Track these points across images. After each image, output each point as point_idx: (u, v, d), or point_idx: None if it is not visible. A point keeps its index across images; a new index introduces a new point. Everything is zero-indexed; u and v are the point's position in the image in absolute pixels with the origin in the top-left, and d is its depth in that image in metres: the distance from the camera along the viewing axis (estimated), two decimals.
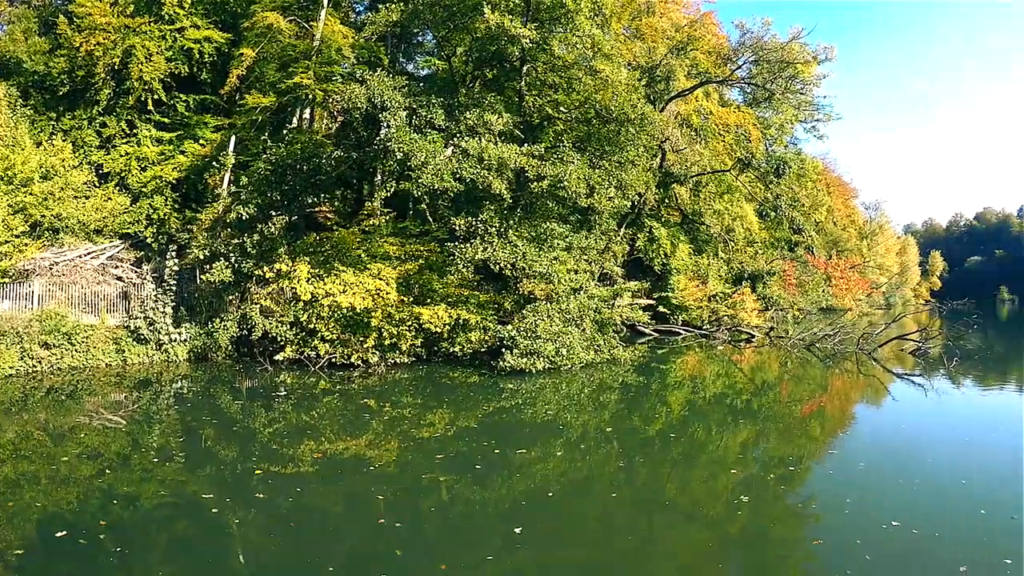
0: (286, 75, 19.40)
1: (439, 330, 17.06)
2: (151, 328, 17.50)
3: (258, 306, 17.29)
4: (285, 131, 21.00)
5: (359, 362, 16.72)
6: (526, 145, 18.73)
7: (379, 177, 20.85)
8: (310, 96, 19.61)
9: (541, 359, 16.96)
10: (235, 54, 20.69)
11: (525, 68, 20.83)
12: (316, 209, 21.34)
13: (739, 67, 29.11)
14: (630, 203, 24.60)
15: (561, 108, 22.38)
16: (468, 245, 17.86)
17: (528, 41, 18.56)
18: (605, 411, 13.81)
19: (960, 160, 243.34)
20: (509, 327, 17.57)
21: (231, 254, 17.63)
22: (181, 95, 21.56)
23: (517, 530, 6.75)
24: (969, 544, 6.69)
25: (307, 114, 22.92)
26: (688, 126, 30.12)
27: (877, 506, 7.68)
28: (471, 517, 7.37)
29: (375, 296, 16.62)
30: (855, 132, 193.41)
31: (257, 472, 8.46)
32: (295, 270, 16.92)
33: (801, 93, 29.62)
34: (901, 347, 25.62)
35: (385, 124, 17.07)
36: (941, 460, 10.13)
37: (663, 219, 31.32)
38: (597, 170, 20.33)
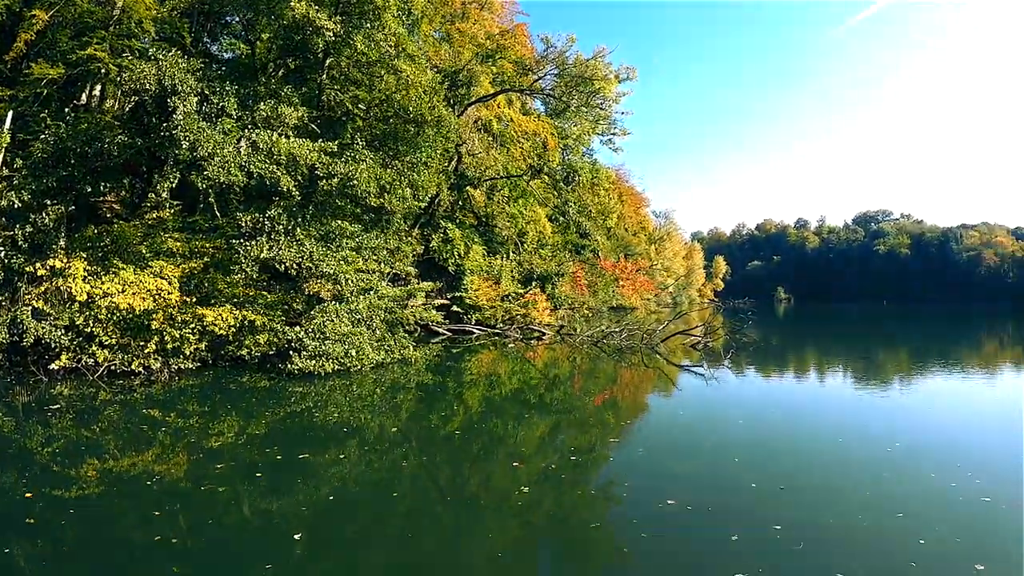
0: (79, 45, 17.90)
1: (225, 333, 17.15)
2: None
3: (30, 308, 15.92)
4: (69, 109, 19.59)
5: (141, 369, 16.21)
6: (320, 141, 19.25)
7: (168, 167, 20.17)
8: (103, 71, 18.51)
9: (330, 361, 17.70)
10: (26, 15, 18.71)
11: (328, 61, 21.45)
12: (100, 199, 20.16)
13: (540, 78, 32.39)
14: (424, 204, 26.22)
15: (360, 105, 23.27)
16: (254, 243, 18.14)
17: (332, 34, 19.31)
18: (401, 411, 14.51)
19: (744, 177, 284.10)
20: (297, 328, 18.10)
21: (0, 248, 16.27)
22: None
23: (298, 536, 6.92)
24: (740, 514, 7.68)
25: (98, 91, 21.49)
26: (488, 131, 32.79)
27: (656, 487, 8.73)
28: (261, 528, 7.45)
29: (156, 296, 16.34)
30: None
31: (28, 496, 8.14)
32: (71, 267, 16.05)
33: (600, 108, 33.64)
34: (685, 342, 29.67)
35: (174, 109, 16.80)
36: (718, 442, 11.71)
37: (458, 221, 33.47)
38: (389, 170, 21.29)
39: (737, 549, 6.67)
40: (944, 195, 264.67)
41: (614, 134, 38.40)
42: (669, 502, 8.01)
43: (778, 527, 7.22)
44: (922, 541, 6.97)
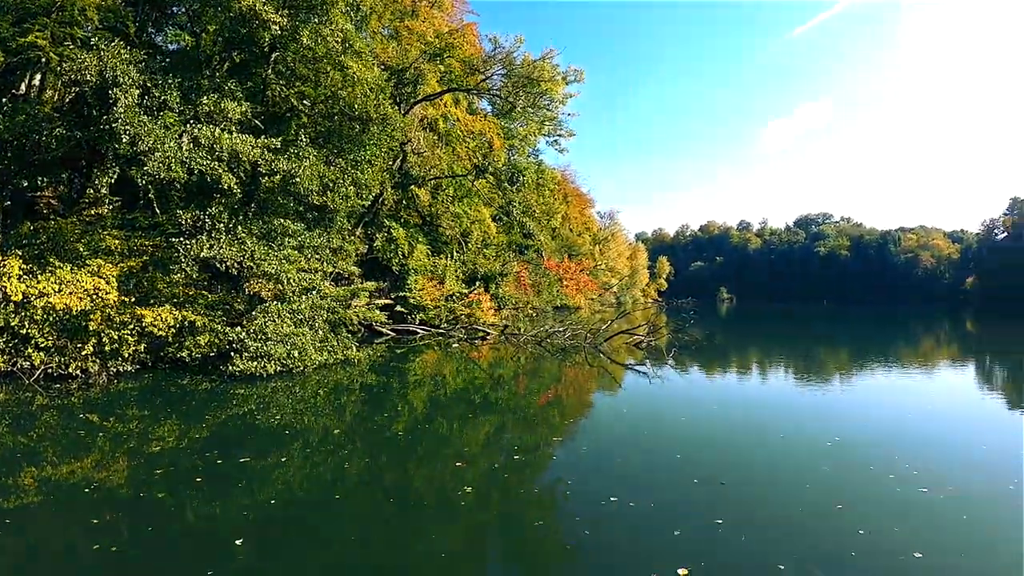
0: (20, 32, 17.33)
1: (164, 334, 17.06)
2: None
3: None
4: (7, 99, 18.98)
5: (78, 372, 15.95)
6: (263, 137, 19.21)
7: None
8: (43, 60, 18.09)
9: (272, 362, 17.73)
10: None
11: (274, 56, 21.43)
12: (37, 194, 19.70)
13: (487, 78, 32.93)
14: (368, 203, 26.35)
15: (305, 101, 23.27)
16: (194, 241, 18.05)
17: (279, 28, 19.32)
18: (345, 412, 14.55)
19: (691, 179, 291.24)
20: (238, 329, 18.05)
21: None
22: None
23: (239, 542, 6.95)
24: (683, 509, 8.01)
25: (37, 81, 20.87)
26: (434, 130, 33.14)
27: (599, 485, 8.99)
28: (202, 535, 7.42)
29: (93, 296, 16.07)
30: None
31: None
32: (5, 265, 15.61)
33: (547, 109, 34.40)
34: (629, 341, 30.44)
35: (115, 102, 16.56)
36: (660, 438, 12.03)
37: (402, 220, 33.72)
38: (333, 167, 21.35)
39: (680, 544, 6.97)
40: (883, 200, 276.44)
41: (560, 135, 39.37)
42: (612, 499, 8.29)
43: (720, 521, 7.55)
44: (861, 532, 7.32)
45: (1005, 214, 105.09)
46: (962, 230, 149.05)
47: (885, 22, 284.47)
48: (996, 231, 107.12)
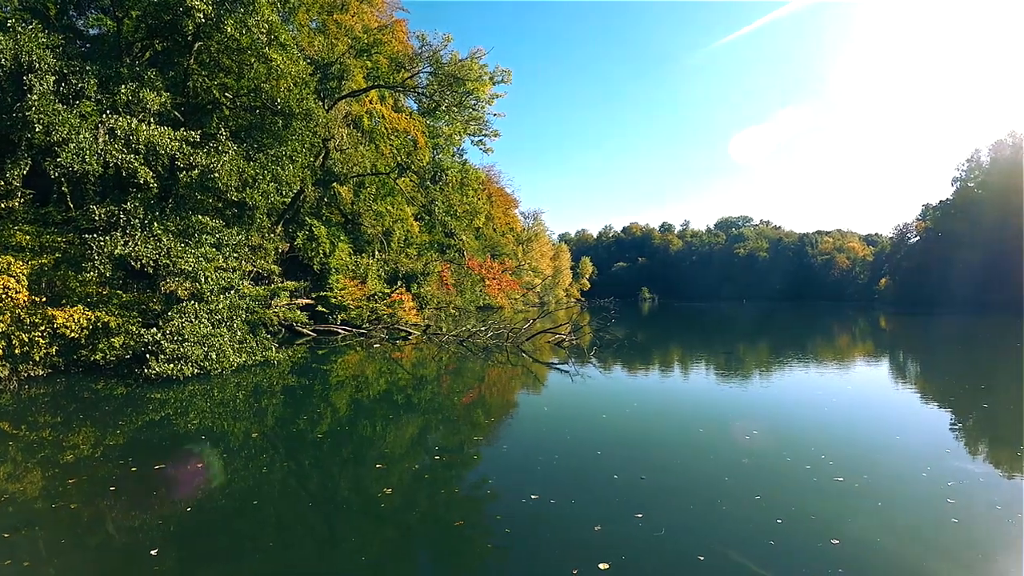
0: None
1: (77, 336, 16.76)
2: None
3: None
4: None
5: None
6: (182, 130, 19.04)
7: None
8: None
9: (189, 364, 17.68)
10: None
11: (197, 45, 21.19)
12: None
13: (414, 75, 33.32)
14: (289, 200, 26.30)
15: (228, 94, 23.10)
16: (108, 238, 17.75)
17: (203, 17, 19.14)
18: (266, 416, 14.45)
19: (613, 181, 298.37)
20: (154, 330, 17.90)
21: None
22: None
23: (154, 552, 6.85)
24: (603, 505, 8.17)
25: None
26: (358, 127, 33.24)
27: (521, 483, 9.14)
28: (118, 546, 7.27)
29: (2, 296, 15.69)
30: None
31: None
32: None
33: (474, 109, 35.03)
34: (551, 340, 31.14)
35: (30, 88, 16.21)
36: (581, 436, 12.33)
37: (324, 218, 33.68)
38: (253, 163, 21.26)
39: (601, 539, 7.10)
40: (802, 206, 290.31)
41: (485, 135, 40.19)
42: (533, 496, 8.47)
43: (640, 515, 7.74)
44: (779, 520, 7.61)
45: (918, 219, 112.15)
46: (877, 234, 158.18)
47: (812, 32, 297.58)
48: (909, 235, 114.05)
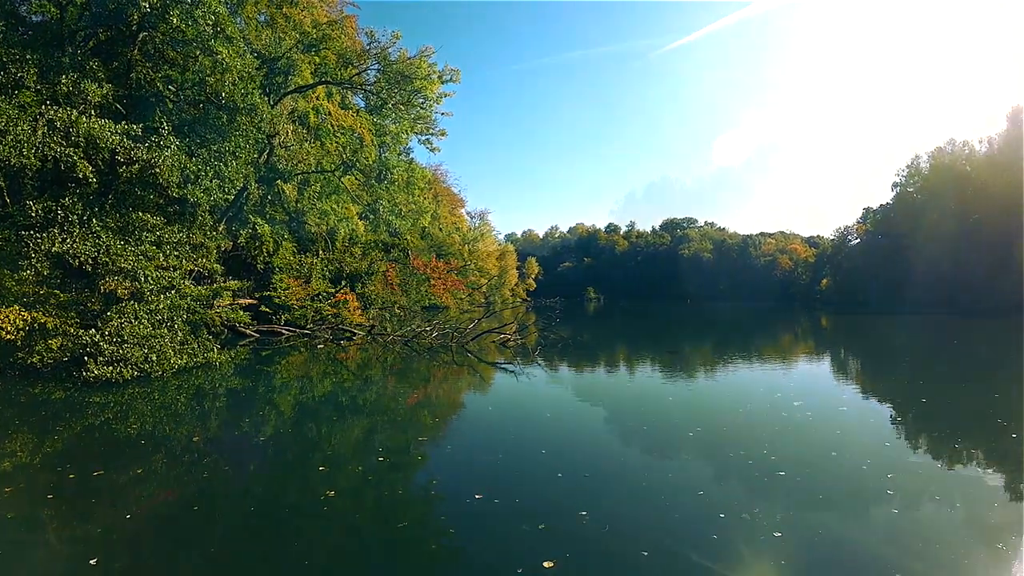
0: None
1: (13, 337, 16.37)
2: None
3: None
4: None
5: None
6: (124, 123, 18.70)
7: None
8: None
9: (129, 367, 17.36)
10: None
11: (142, 36, 20.89)
12: None
13: (361, 72, 33.26)
14: (232, 197, 26.06)
15: (171, 87, 22.78)
16: (46, 235, 17.44)
17: (148, 6, 18.96)
18: (209, 419, 14.38)
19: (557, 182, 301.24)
20: (92, 331, 17.59)
21: None
22: None
23: (93, 562, 6.77)
24: (548, 504, 8.36)
25: None
26: (304, 124, 33.07)
27: (465, 483, 9.31)
28: (55, 556, 7.19)
29: None
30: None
31: None
32: None
33: (421, 108, 35.13)
34: (496, 340, 31.49)
35: None
36: (526, 435, 12.65)
37: (268, 216, 33.31)
38: (196, 158, 21.03)
39: (545, 537, 7.24)
40: (745, 209, 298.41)
41: (432, 134, 40.39)
42: (478, 496, 8.59)
43: (584, 513, 7.92)
44: (722, 515, 7.86)
45: (858, 222, 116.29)
46: (819, 236, 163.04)
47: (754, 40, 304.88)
48: (850, 237, 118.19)
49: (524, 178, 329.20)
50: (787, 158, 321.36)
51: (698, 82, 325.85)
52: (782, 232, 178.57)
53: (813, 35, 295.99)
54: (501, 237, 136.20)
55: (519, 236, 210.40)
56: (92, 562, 6.77)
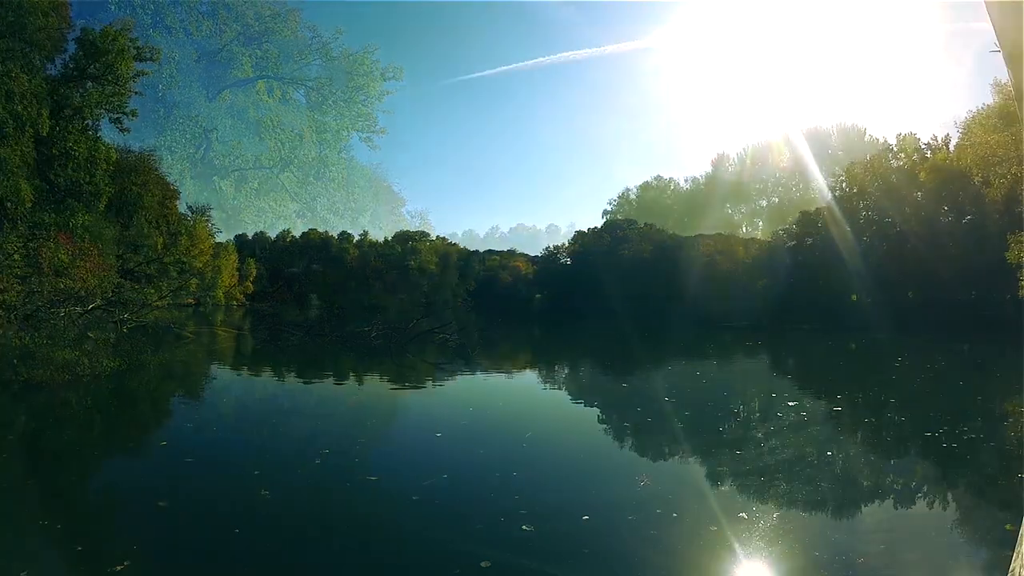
0: None
1: None
2: None
3: None
4: None
5: None
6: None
7: None
8: None
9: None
10: None
11: None
12: None
13: (303, 67, 33.29)
14: None
15: None
16: None
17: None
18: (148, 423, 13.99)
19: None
20: None
21: None
22: None
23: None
24: (484, 504, 8.36)
25: None
26: (242, 118, 32.71)
27: (402, 484, 9.10)
28: None
29: None
30: None
31: None
32: None
33: (363, 105, 35.29)
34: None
35: None
36: (457, 435, 12.62)
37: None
38: None
39: (483, 537, 7.17)
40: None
41: (373, 132, 40.44)
42: (415, 498, 8.41)
43: (525, 512, 7.69)
44: (659, 511, 7.88)
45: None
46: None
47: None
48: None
49: (465, 177, 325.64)
50: None
51: None
52: (719, 233, 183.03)
53: None
54: (433, 236, 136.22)
55: (460, 235, 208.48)
56: None
